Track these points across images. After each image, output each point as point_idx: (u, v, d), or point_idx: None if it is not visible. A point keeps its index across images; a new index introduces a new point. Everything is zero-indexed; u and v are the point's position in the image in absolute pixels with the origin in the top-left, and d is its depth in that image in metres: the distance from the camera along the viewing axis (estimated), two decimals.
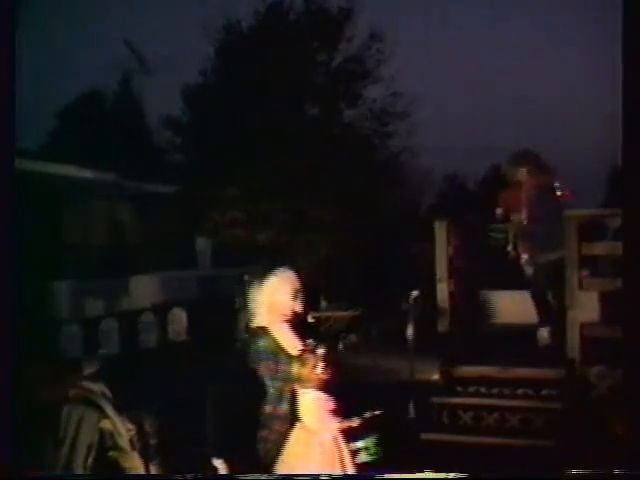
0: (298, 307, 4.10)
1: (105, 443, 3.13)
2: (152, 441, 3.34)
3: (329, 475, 3.17)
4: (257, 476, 3.07)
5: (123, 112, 25.76)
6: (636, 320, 2.54)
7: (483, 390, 6.96)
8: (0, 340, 2.58)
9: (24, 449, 2.68)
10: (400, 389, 7.16)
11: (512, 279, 8.84)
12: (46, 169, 14.67)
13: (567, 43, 64.13)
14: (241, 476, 3.02)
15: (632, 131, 2.50)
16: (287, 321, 3.98)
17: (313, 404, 3.65)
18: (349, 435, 3.67)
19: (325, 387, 3.73)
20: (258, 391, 3.92)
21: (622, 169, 2.63)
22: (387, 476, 3.28)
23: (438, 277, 7.47)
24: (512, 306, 8.86)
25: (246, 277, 14.45)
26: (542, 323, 7.43)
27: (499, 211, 7.76)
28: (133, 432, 3.22)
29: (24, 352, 2.71)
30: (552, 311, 7.32)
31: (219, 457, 3.75)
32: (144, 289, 16.97)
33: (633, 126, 2.49)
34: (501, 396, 6.85)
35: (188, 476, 3.04)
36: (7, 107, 2.62)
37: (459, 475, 2.84)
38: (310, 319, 8.13)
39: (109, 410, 3.15)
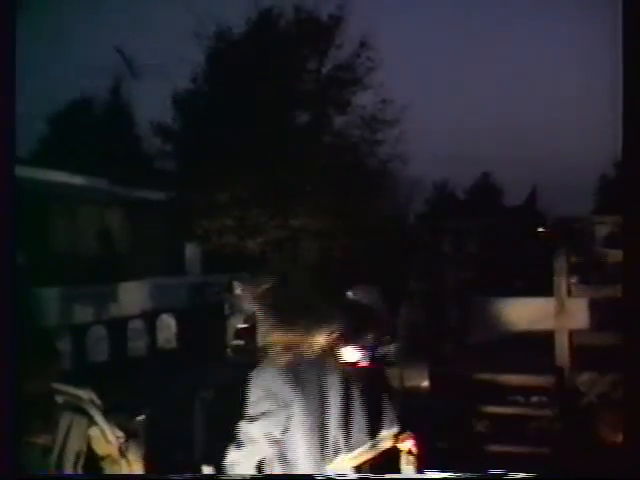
0: None
1: (94, 451, 3.11)
2: (141, 448, 3.32)
3: (326, 475, 3.15)
4: (257, 476, 3.05)
5: (113, 118, 25.71)
6: (636, 326, 2.55)
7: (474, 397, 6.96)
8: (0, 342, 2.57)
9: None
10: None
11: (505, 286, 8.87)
12: (34, 175, 14.61)
13: (563, 44, 64.54)
14: (240, 476, 3.00)
15: (632, 132, 2.51)
16: None
17: None
18: None
19: None
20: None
21: (622, 171, 2.63)
22: (386, 476, 3.27)
23: None
24: (505, 312, 8.88)
25: (235, 284, 14.48)
26: None
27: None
28: (122, 439, 3.19)
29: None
30: None
31: (209, 464, 3.74)
32: (133, 296, 16.91)
33: (633, 127, 2.50)
34: (490, 403, 6.86)
35: (186, 476, 3.03)
36: (7, 112, 2.61)
37: (459, 475, 2.84)
38: None
39: (98, 417, 3.13)
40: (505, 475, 2.95)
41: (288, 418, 3.06)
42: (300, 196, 16.31)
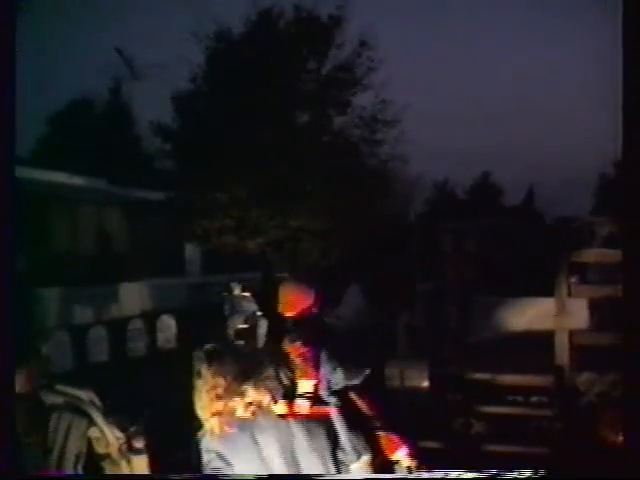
0: None
1: (94, 451, 3.11)
2: (141, 448, 3.32)
3: (324, 476, 3.15)
4: (255, 476, 3.06)
5: (113, 119, 25.70)
6: (636, 326, 2.54)
7: (474, 397, 6.96)
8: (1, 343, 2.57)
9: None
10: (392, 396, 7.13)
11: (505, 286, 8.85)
12: (34, 175, 14.60)
13: (564, 44, 64.54)
14: (239, 475, 3.01)
15: (632, 132, 2.51)
16: None
17: None
18: None
19: None
20: None
21: (622, 171, 2.63)
22: (387, 476, 3.27)
23: None
24: (505, 312, 8.88)
25: (233, 284, 14.45)
26: None
27: None
28: (122, 440, 3.19)
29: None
30: None
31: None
32: (133, 296, 16.91)
33: (633, 127, 2.50)
34: (490, 402, 6.86)
35: (186, 476, 3.03)
36: (7, 112, 2.60)
37: (459, 475, 2.83)
38: None
39: (98, 418, 3.13)
40: (504, 475, 2.95)
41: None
42: (300, 196, 16.32)
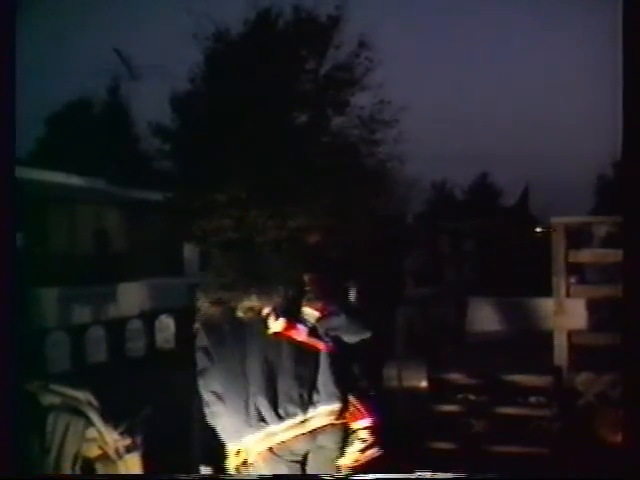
0: None
1: (91, 452, 3.11)
2: (139, 449, 3.32)
3: (329, 475, 3.17)
4: (258, 476, 3.07)
5: (111, 119, 25.70)
6: (635, 326, 2.55)
7: (471, 397, 6.96)
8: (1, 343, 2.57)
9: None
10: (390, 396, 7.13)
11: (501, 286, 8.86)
12: (32, 175, 14.59)
13: (563, 44, 64.59)
14: (243, 476, 3.03)
15: (632, 132, 2.51)
16: None
17: None
18: None
19: None
20: None
21: (622, 172, 2.64)
22: (386, 476, 3.28)
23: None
24: (504, 312, 8.88)
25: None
26: None
27: None
28: (120, 441, 3.19)
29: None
30: None
31: (207, 465, 3.74)
32: (131, 296, 16.90)
33: (633, 127, 2.50)
34: (489, 403, 6.85)
35: (190, 476, 3.05)
36: (7, 112, 2.60)
37: (459, 475, 2.84)
38: None
39: (95, 419, 3.13)
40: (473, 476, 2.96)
41: (224, 377, 3.26)
42: (299, 196, 16.31)
